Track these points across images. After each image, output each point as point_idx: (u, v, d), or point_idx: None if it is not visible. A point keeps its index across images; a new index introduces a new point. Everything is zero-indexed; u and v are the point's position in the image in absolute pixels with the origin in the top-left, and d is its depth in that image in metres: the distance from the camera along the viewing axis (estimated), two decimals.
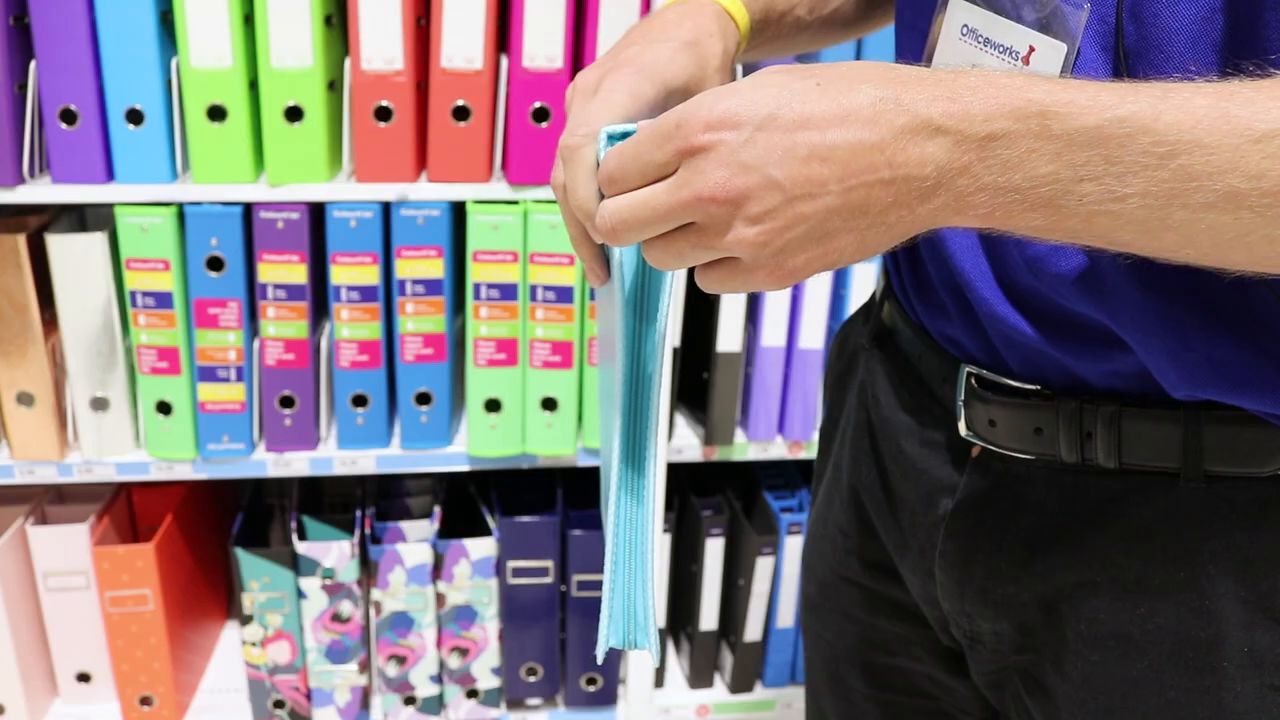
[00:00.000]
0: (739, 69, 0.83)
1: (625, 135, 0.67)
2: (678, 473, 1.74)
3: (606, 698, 1.73)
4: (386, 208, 1.45)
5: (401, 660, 1.64)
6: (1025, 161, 0.52)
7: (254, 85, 1.41)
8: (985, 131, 0.52)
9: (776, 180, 0.53)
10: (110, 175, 1.41)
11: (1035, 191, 0.52)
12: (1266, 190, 0.50)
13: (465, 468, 1.59)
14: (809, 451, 1.63)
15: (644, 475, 0.71)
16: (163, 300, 1.45)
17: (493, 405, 1.53)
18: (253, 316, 1.49)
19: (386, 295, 1.50)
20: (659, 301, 0.69)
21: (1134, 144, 0.51)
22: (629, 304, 0.69)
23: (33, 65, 1.35)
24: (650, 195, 0.56)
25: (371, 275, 1.47)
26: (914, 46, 0.76)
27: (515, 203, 1.46)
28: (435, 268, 1.47)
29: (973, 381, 0.76)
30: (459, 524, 1.71)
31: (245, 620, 1.61)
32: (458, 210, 1.50)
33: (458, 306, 1.56)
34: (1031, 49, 0.65)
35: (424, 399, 1.54)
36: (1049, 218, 0.53)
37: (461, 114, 1.43)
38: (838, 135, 0.52)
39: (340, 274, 1.46)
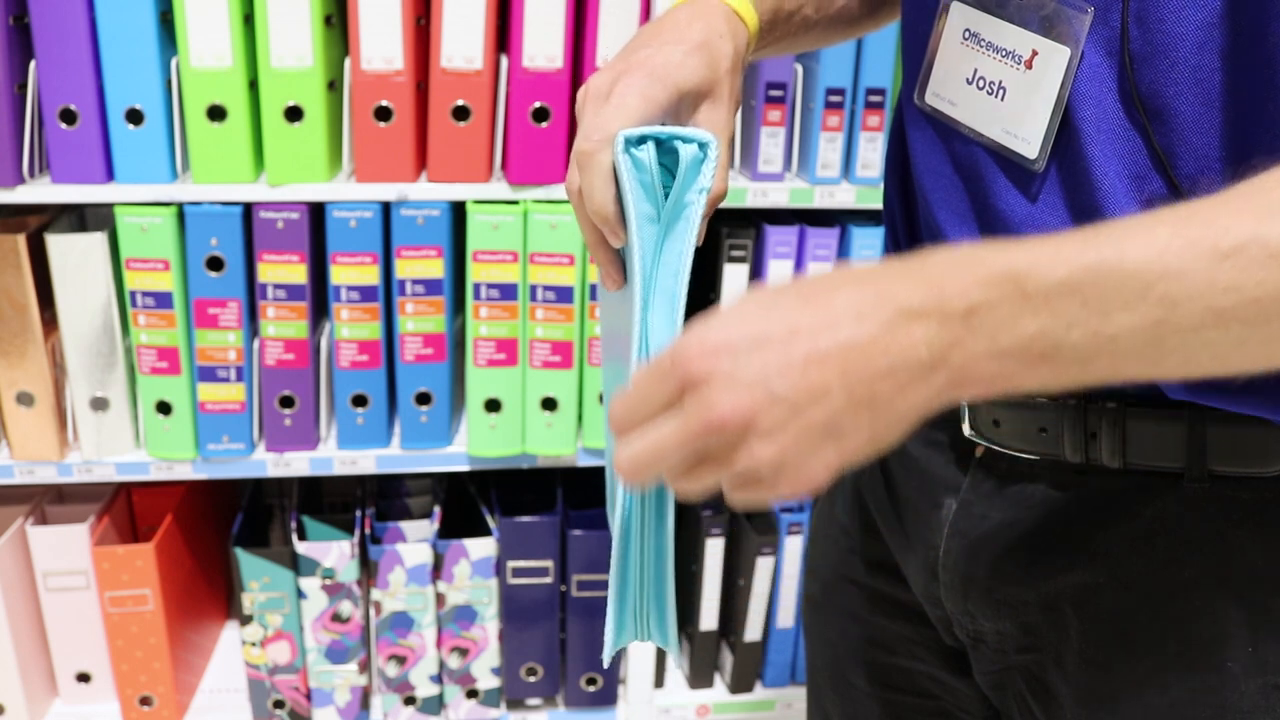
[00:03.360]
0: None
1: (642, 140, 0.67)
2: None
3: (606, 698, 1.73)
4: (386, 208, 1.45)
5: (401, 660, 1.64)
6: (1009, 324, 0.53)
7: (254, 85, 1.41)
8: (965, 305, 0.53)
9: (779, 394, 0.53)
10: (110, 175, 1.41)
11: (1029, 350, 0.53)
12: (1248, 300, 0.51)
13: (465, 468, 1.59)
14: None
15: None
16: (163, 300, 1.45)
17: (493, 405, 1.54)
18: (253, 316, 1.49)
19: (386, 295, 1.50)
20: (675, 307, 0.69)
21: (1107, 285, 0.52)
22: (646, 309, 0.68)
23: (33, 65, 1.35)
24: (661, 433, 0.56)
25: (371, 275, 1.47)
26: (917, 50, 0.76)
27: (515, 203, 1.46)
28: (435, 268, 1.47)
29: None
30: (459, 524, 1.71)
31: (245, 620, 1.61)
32: (458, 210, 1.50)
33: (458, 306, 1.56)
34: (1034, 53, 0.65)
35: (424, 399, 1.54)
36: (1052, 369, 0.54)
37: (461, 114, 1.43)
38: (829, 339, 0.53)
39: (340, 274, 1.46)
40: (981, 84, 0.69)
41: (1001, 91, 0.68)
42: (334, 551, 1.57)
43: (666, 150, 0.68)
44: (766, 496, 0.56)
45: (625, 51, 0.74)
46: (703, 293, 1.55)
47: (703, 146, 0.67)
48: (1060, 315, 0.52)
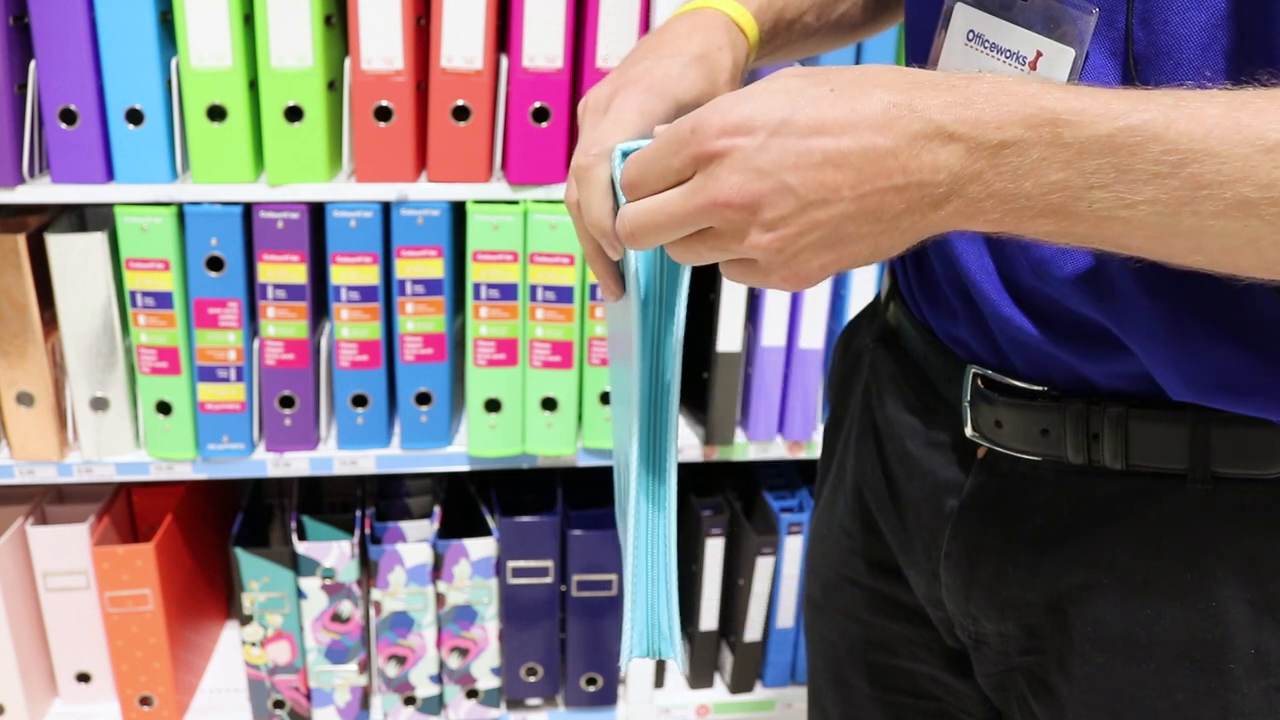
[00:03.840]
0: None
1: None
2: (678, 472, 1.74)
3: (606, 698, 1.73)
4: (386, 208, 1.45)
5: (401, 660, 1.64)
6: (1037, 169, 0.52)
7: (254, 85, 1.41)
8: (998, 139, 0.52)
9: (791, 186, 0.53)
10: (110, 175, 1.41)
11: (1046, 198, 0.52)
12: (1277, 199, 0.50)
13: (465, 468, 1.59)
14: (809, 451, 1.63)
15: (664, 484, 0.71)
16: (163, 300, 1.44)
17: (493, 405, 1.53)
18: (253, 316, 1.49)
19: (386, 295, 1.50)
20: (674, 315, 0.70)
21: (1145, 152, 0.51)
22: (644, 318, 0.69)
23: (33, 65, 1.35)
24: (667, 200, 0.56)
25: (371, 275, 1.47)
26: (921, 50, 0.76)
27: (515, 202, 1.46)
28: (435, 268, 1.47)
29: (979, 382, 0.76)
30: (459, 524, 1.71)
31: (245, 620, 1.61)
32: (458, 210, 1.50)
33: (458, 306, 1.56)
34: (1039, 54, 0.65)
35: (424, 399, 1.54)
36: (1059, 223, 0.53)
37: (461, 114, 1.43)
38: (851, 141, 0.52)
39: (340, 274, 1.46)
40: None
41: None
42: (334, 551, 1.57)
43: None
44: (759, 283, 0.57)
45: (625, 64, 0.74)
46: (702, 293, 1.55)
47: None
48: (1088, 172, 0.51)
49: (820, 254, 0.55)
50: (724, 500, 1.73)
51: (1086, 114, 0.51)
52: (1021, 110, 0.52)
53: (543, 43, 1.40)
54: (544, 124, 1.44)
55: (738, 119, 0.54)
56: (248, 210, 1.43)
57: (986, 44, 0.69)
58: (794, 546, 1.69)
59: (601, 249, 0.71)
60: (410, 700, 1.67)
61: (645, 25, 1.41)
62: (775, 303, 1.56)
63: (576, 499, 1.75)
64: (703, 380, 1.63)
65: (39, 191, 1.39)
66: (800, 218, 0.53)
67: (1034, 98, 0.52)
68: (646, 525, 0.71)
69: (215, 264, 1.44)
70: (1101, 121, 0.51)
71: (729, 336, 1.56)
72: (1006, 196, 0.53)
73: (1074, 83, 0.64)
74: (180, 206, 1.42)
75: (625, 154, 0.67)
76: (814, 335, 1.58)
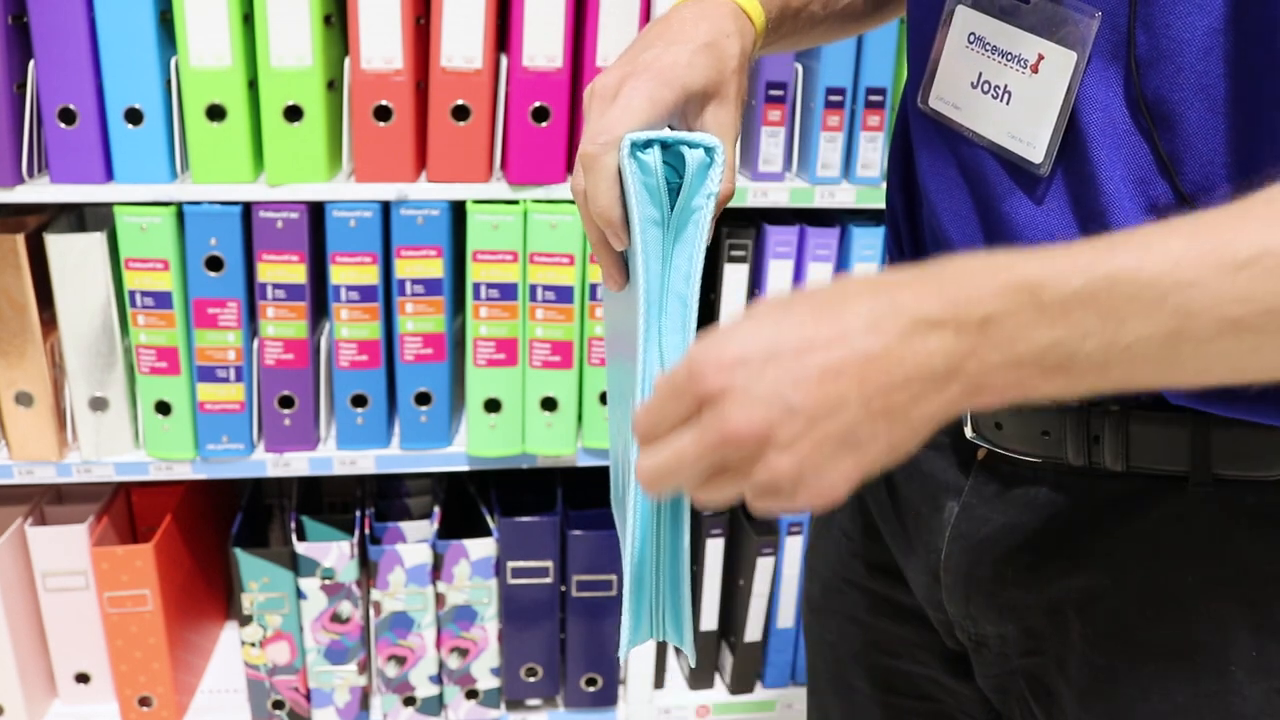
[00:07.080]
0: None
1: (649, 144, 0.67)
2: None
3: (606, 698, 1.73)
4: (386, 207, 1.45)
5: (401, 661, 1.64)
6: (1025, 334, 0.52)
7: (253, 85, 1.40)
8: (981, 314, 0.52)
9: (796, 407, 0.53)
10: (109, 175, 1.41)
11: (1044, 360, 0.53)
12: (1262, 310, 0.51)
13: (465, 468, 1.58)
14: None
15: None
16: (162, 300, 1.44)
17: (492, 405, 1.53)
18: (252, 316, 1.49)
19: (386, 295, 1.50)
20: (689, 306, 0.69)
21: (1123, 295, 0.51)
22: (648, 309, 0.69)
23: (32, 64, 1.35)
24: (679, 446, 0.56)
25: (371, 275, 1.47)
26: (921, 50, 0.76)
27: (515, 202, 1.46)
28: (435, 267, 1.47)
29: None
30: (459, 524, 1.71)
31: (245, 620, 1.61)
32: (457, 210, 1.49)
33: (457, 306, 1.56)
34: (1041, 57, 0.65)
35: (424, 399, 1.54)
36: (1066, 379, 0.54)
37: (461, 114, 1.42)
38: (843, 350, 0.53)
39: (340, 274, 1.46)
40: (986, 88, 0.69)
41: (1007, 96, 0.68)
42: (333, 552, 1.57)
43: (672, 152, 0.68)
44: (787, 507, 0.57)
45: (632, 51, 0.74)
46: (703, 293, 1.55)
47: (709, 151, 0.67)
48: (1076, 325, 0.52)
49: (839, 464, 0.55)
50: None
51: (1057, 273, 0.52)
52: (993, 283, 0.53)
53: (543, 42, 1.40)
54: (544, 124, 1.43)
55: (730, 356, 0.54)
56: (247, 210, 1.43)
57: (988, 47, 0.68)
58: (794, 547, 1.69)
59: (606, 239, 0.70)
60: (410, 701, 1.67)
61: (645, 25, 1.41)
62: None
63: (576, 499, 1.74)
64: None
65: (38, 191, 1.39)
66: (812, 434, 0.53)
67: (1004, 269, 0.53)
68: (654, 522, 0.70)
69: (215, 264, 1.43)
70: (1074, 275, 0.52)
71: None
72: (1004, 366, 0.53)
73: (1075, 88, 0.64)
74: (180, 206, 1.41)
75: (635, 145, 0.67)
76: None
